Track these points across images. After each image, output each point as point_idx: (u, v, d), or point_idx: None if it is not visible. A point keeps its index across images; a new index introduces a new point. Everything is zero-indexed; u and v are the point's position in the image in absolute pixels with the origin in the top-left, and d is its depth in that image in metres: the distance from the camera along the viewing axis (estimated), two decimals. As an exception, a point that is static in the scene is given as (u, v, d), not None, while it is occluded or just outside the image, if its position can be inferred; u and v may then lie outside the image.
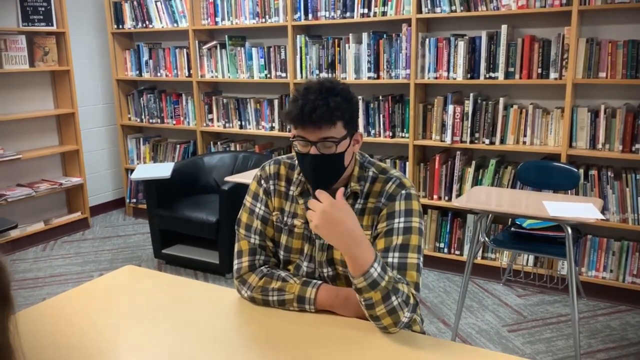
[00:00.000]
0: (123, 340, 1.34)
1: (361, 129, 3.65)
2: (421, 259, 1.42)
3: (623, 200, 3.08)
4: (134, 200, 4.98)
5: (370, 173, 1.50)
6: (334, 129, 1.38)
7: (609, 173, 3.11)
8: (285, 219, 1.54)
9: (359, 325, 1.38)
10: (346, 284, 1.50)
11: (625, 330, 2.89)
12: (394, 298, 1.29)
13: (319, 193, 1.32)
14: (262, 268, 1.52)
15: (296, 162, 1.52)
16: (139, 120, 4.85)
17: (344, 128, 1.41)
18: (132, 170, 4.33)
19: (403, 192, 1.44)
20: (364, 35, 3.63)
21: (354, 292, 1.46)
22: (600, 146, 3.10)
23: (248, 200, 1.58)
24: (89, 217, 4.69)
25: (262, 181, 1.57)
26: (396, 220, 1.41)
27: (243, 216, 1.57)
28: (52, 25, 4.27)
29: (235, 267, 1.54)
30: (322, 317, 1.42)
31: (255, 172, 1.63)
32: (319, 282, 1.47)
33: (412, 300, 1.33)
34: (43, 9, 4.22)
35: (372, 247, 1.33)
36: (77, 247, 4.28)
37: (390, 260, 1.38)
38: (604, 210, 3.03)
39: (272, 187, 1.56)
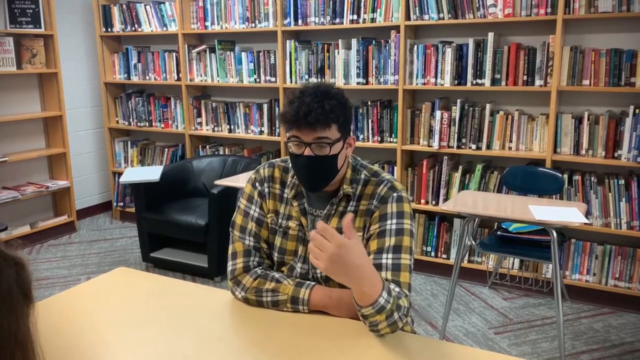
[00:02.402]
0: (117, 342, 1.35)
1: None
2: (412, 260, 1.45)
3: (606, 205, 3.15)
4: (121, 203, 4.96)
5: (363, 176, 1.53)
6: (328, 131, 1.42)
7: (592, 178, 3.18)
8: (279, 221, 1.56)
9: (352, 325, 1.40)
10: (339, 285, 1.53)
11: (608, 332, 2.95)
12: (396, 315, 1.30)
13: (323, 230, 1.19)
14: (256, 269, 1.54)
15: (290, 165, 1.55)
16: (126, 123, 4.83)
17: (338, 131, 1.45)
18: (120, 174, 4.33)
19: (395, 194, 1.48)
20: (353, 41, 3.67)
21: (347, 292, 1.48)
22: (583, 152, 3.17)
23: (242, 202, 1.60)
24: (76, 221, 4.67)
25: (257, 184, 1.59)
26: (388, 222, 1.44)
27: (237, 218, 1.59)
28: (40, 27, 4.25)
29: (229, 268, 1.56)
30: (315, 318, 1.44)
31: (248, 175, 1.65)
32: (313, 283, 1.49)
33: (409, 309, 1.36)
34: (31, 11, 4.19)
35: (378, 275, 1.29)
36: (64, 250, 4.25)
37: (384, 261, 1.41)
38: (587, 214, 3.09)
39: (266, 190, 1.58)
